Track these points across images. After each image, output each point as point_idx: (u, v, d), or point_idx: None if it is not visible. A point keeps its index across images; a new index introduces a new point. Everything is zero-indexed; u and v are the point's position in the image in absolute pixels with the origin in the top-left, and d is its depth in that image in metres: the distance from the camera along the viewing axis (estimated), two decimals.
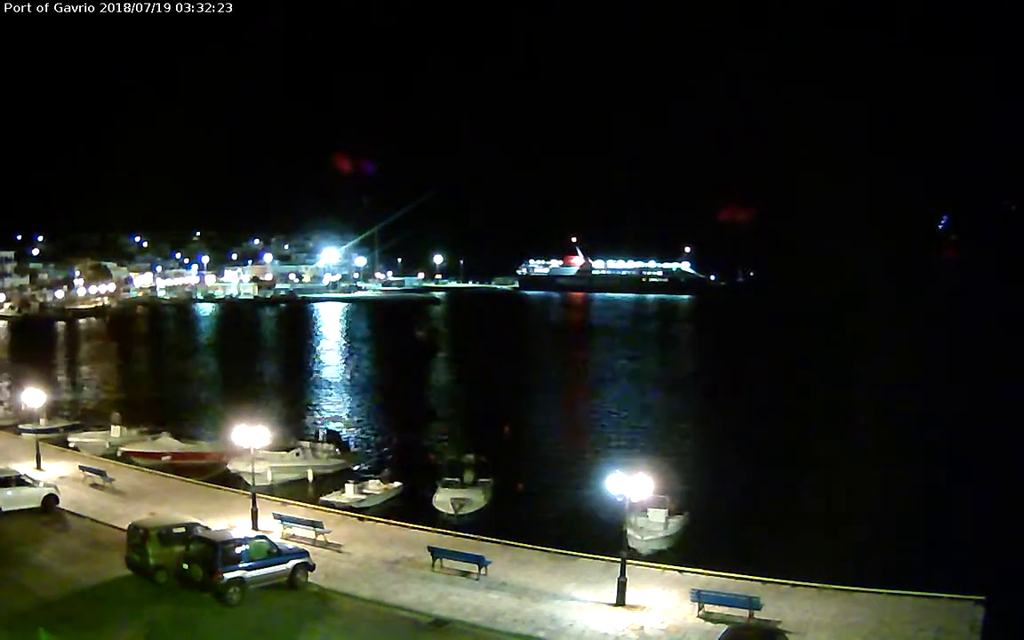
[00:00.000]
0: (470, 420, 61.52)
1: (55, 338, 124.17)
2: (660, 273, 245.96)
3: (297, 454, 42.68)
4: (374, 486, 38.94)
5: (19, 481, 33.34)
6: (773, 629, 22.18)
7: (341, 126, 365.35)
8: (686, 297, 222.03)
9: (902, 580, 25.64)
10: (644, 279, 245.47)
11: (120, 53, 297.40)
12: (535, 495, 40.09)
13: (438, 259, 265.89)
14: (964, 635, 22.33)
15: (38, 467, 38.72)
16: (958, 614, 23.44)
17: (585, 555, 29.12)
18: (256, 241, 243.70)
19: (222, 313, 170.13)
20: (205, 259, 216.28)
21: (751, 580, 26.34)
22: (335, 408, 66.20)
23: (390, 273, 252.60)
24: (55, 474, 37.82)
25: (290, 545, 27.36)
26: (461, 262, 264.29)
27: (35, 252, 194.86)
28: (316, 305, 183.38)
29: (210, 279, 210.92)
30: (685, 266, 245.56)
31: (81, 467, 39.15)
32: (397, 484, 39.66)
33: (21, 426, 48.88)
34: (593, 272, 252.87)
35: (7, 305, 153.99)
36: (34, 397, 42.30)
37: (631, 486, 25.50)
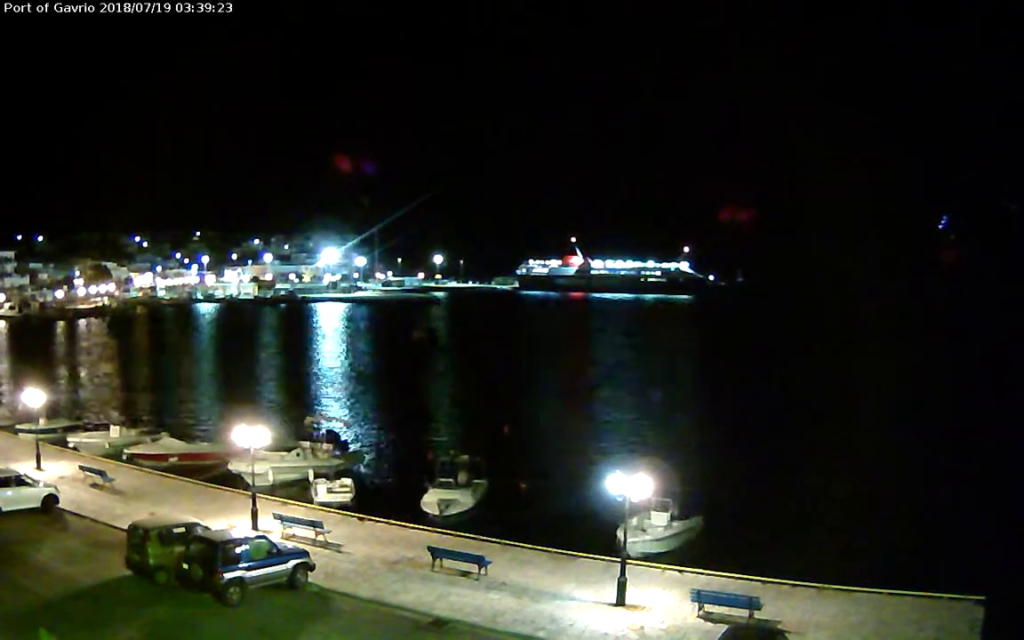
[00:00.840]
0: (470, 420, 61.50)
1: (55, 338, 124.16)
2: (659, 273, 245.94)
3: (298, 454, 42.69)
4: (337, 485, 38.78)
5: (19, 481, 33.29)
6: (773, 629, 22.18)
7: (341, 126, 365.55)
8: (685, 297, 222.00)
9: (902, 580, 25.65)
10: (643, 279, 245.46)
11: (120, 53, 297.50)
12: (535, 495, 40.05)
13: (438, 259, 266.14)
14: (964, 635, 22.33)
15: (38, 467, 38.69)
16: (958, 614, 23.44)
17: (585, 555, 29.11)
18: (256, 241, 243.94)
19: (222, 313, 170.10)
20: (205, 259, 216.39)
21: (751, 580, 26.34)
22: (335, 408, 66.13)
23: (390, 273, 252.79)
24: (55, 474, 37.80)
25: (290, 545, 27.35)
26: (461, 262, 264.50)
27: (35, 252, 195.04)
28: (316, 305, 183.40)
29: (210, 279, 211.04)
30: (684, 266, 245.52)
31: (81, 467, 39.13)
32: (348, 482, 39.36)
33: (20, 426, 48.85)
34: (592, 272, 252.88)
35: (7, 305, 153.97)
36: (34, 397, 42.25)
37: (631, 486, 25.50)
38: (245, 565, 24.45)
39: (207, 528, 27.52)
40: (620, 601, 24.70)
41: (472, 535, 31.34)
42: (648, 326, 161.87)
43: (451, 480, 38.18)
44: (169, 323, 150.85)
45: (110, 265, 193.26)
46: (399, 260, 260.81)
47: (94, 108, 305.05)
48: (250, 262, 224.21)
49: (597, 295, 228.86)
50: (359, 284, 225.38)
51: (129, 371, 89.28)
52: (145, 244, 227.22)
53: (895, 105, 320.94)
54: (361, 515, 34.34)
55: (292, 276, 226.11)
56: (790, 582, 26.05)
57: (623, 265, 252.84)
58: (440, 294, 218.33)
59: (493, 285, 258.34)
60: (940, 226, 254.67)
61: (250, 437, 32.05)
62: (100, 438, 47.49)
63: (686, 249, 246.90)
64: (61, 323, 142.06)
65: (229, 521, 30.95)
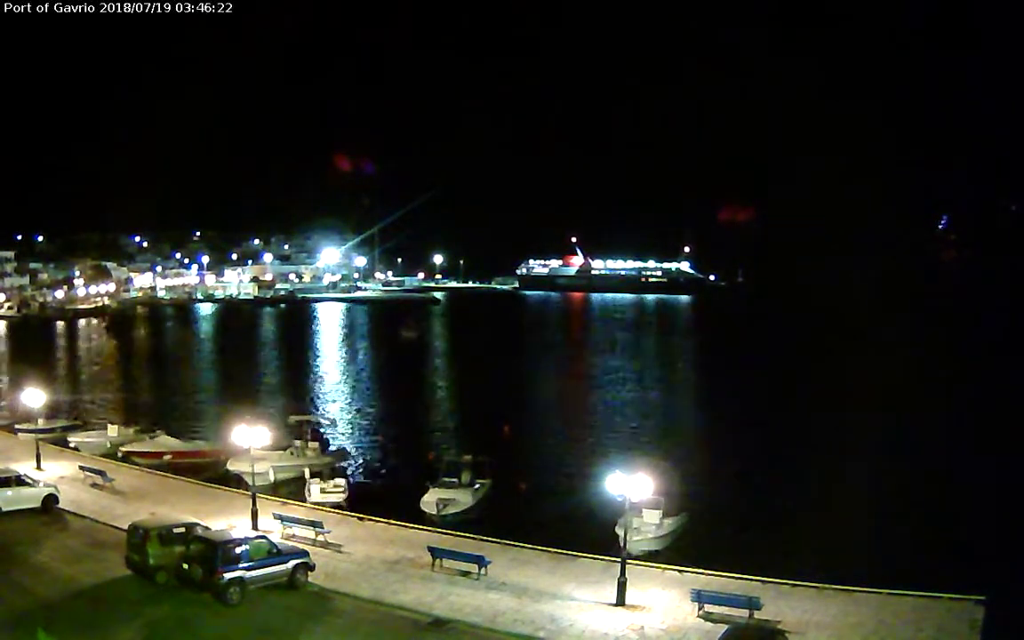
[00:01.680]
0: (469, 420, 61.49)
1: (55, 338, 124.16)
2: (659, 273, 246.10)
3: (292, 453, 42.80)
4: (340, 484, 38.67)
5: (19, 481, 33.29)
6: (773, 629, 22.17)
7: (341, 126, 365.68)
8: (685, 297, 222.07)
9: (902, 580, 25.63)
10: (643, 279, 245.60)
11: (120, 53, 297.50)
12: (535, 495, 40.09)
13: (438, 259, 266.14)
14: (964, 635, 22.32)
15: (38, 467, 38.69)
16: (958, 614, 23.43)
17: (585, 555, 29.10)
18: (256, 241, 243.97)
19: (222, 313, 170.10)
20: (205, 259, 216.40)
21: (751, 580, 26.33)
22: (334, 407, 66.19)
23: (390, 273, 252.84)
24: (55, 474, 37.79)
25: (290, 545, 27.35)
26: (461, 262, 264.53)
27: (35, 252, 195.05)
28: (316, 305, 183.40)
29: (210, 279, 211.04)
30: (684, 266, 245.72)
31: (81, 467, 39.13)
32: (341, 482, 39.27)
33: (20, 426, 48.85)
34: (592, 272, 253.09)
35: (7, 305, 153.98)
36: (34, 397, 42.26)
37: (631, 486, 25.50)
38: (245, 565, 24.45)
39: (207, 528, 27.53)
40: (620, 601, 24.70)
41: (472, 535, 31.33)
42: (648, 326, 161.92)
43: (455, 480, 38.15)
44: (169, 323, 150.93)
45: (110, 265, 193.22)
46: (399, 260, 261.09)
47: (94, 108, 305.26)
48: (250, 262, 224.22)
49: (597, 295, 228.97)
50: (359, 284, 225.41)
51: (129, 371, 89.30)
52: (145, 244, 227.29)
53: (895, 105, 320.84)
54: (361, 515, 34.34)
55: (292, 276, 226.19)
56: (790, 582, 26.03)
57: (623, 265, 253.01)
58: (440, 294, 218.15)
59: (493, 285, 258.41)
60: (940, 226, 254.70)
61: (249, 437, 32.06)
62: (100, 438, 47.49)
63: (686, 249, 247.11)
64: (61, 323, 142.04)
65: (229, 521, 30.96)
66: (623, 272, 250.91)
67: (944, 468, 42.77)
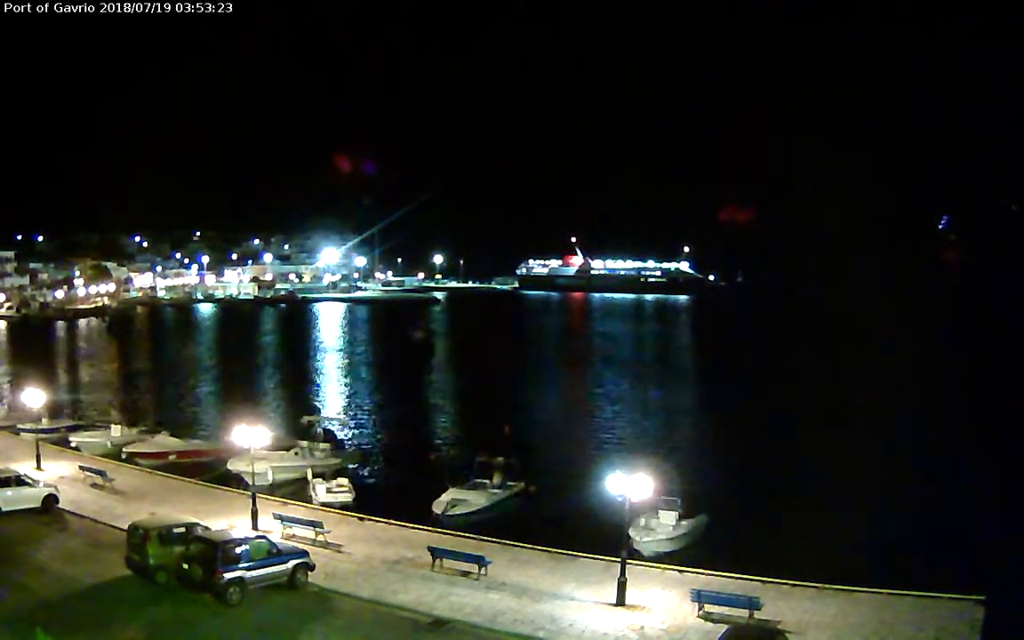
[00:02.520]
0: (469, 420, 61.51)
1: (55, 338, 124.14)
2: (659, 273, 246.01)
3: (296, 454, 42.72)
4: (335, 485, 38.65)
5: (19, 481, 33.30)
6: (773, 629, 22.18)
7: (341, 126, 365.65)
8: (685, 297, 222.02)
9: (902, 580, 25.64)
10: (643, 279, 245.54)
11: (120, 53, 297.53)
12: (535, 495, 40.09)
13: (438, 259, 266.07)
14: (964, 635, 22.32)
15: (38, 467, 38.69)
16: (958, 614, 23.43)
17: (585, 555, 29.11)
18: (256, 241, 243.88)
19: (222, 313, 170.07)
20: (205, 259, 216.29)
21: (751, 580, 26.33)
22: (334, 407, 66.19)
23: (390, 273, 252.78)
24: (55, 474, 37.79)
25: (290, 545, 27.36)
26: (461, 262, 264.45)
27: (35, 252, 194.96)
28: (316, 305, 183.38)
29: (210, 279, 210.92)
30: (684, 266, 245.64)
31: (81, 467, 39.14)
32: (345, 482, 39.25)
33: (21, 426, 48.86)
34: (592, 272, 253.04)
35: (7, 305, 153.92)
36: (34, 397, 42.26)
37: (631, 486, 25.50)
38: (245, 565, 24.46)
39: (207, 528, 27.52)
40: (620, 601, 24.70)
41: (472, 535, 31.35)
42: (648, 326, 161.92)
43: (485, 481, 38.06)
44: (169, 323, 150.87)
45: (110, 265, 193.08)
46: (399, 260, 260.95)
47: (94, 108, 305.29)
48: (250, 262, 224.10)
49: (597, 295, 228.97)
50: (359, 284, 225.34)
51: (129, 371, 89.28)
52: (145, 244, 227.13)
53: (895, 104, 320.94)
54: (361, 515, 34.35)
55: (292, 276, 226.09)
56: (790, 582, 26.04)
57: (623, 265, 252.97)
58: (440, 294, 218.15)
59: (493, 285, 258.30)
60: (940, 226, 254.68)
61: (250, 437, 32.07)
62: (101, 437, 47.52)
63: (686, 249, 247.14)
64: (61, 323, 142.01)
65: (229, 521, 30.96)
66: (623, 272, 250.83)
67: (944, 468, 42.77)
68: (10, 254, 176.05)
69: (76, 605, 24.06)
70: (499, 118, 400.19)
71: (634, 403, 70.60)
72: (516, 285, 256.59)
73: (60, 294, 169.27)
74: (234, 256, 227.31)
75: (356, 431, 57.39)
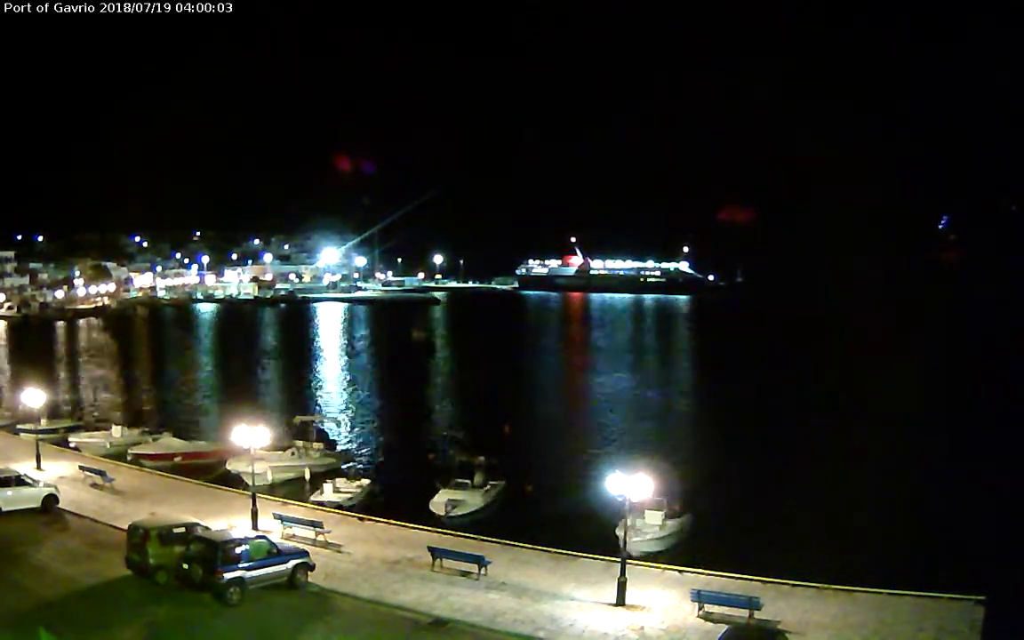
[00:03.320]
0: (469, 420, 61.44)
1: (55, 338, 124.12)
2: (658, 273, 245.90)
3: (293, 453, 42.83)
4: (343, 484, 38.75)
5: (19, 481, 33.31)
6: (773, 629, 22.19)
7: (341, 126, 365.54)
8: (684, 297, 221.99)
9: (902, 580, 25.66)
10: (642, 279, 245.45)
11: (120, 53, 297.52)
12: (535, 495, 40.13)
13: (438, 259, 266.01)
14: (964, 635, 22.33)
15: (38, 467, 38.70)
16: (958, 614, 23.45)
17: (585, 555, 29.13)
18: (256, 241, 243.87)
19: (222, 313, 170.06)
20: (205, 259, 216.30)
21: (751, 580, 26.35)
22: (334, 407, 66.22)
23: (390, 273, 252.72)
24: (55, 474, 37.80)
25: (290, 545, 27.36)
26: (461, 262, 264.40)
27: (35, 252, 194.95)
28: (316, 305, 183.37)
29: (210, 279, 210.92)
30: (683, 266, 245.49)
31: (81, 467, 39.16)
32: (366, 481, 39.56)
33: (21, 426, 48.87)
34: (591, 272, 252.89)
35: (7, 305, 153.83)
36: (34, 397, 42.27)
37: (631, 486, 25.52)
38: (245, 565, 24.47)
39: (207, 528, 27.54)
40: (620, 601, 24.71)
41: (472, 535, 31.38)
42: (648, 326, 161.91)
43: (467, 481, 38.18)
44: (169, 323, 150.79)
45: (110, 265, 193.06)
46: (399, 260, 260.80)
47: (94, 108, 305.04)
48: (250, 262, 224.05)
49: (597, 295, 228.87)
50: (359, 284, 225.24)
51: (129, 371, 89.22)
52: (145, 244, 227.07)
53: (895, 104, 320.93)
54: (361, 515, 34.38)
55: (292, 276, 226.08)
56: (790, 582, 26.06)
57: (623, 265, 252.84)
58: (440, 294, 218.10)
59: (493, 285, 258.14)
60: (940, 226, 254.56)
61: (250, 437, 32.09)
62: (101, 438, 47.59)
63: (686, 249, 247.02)
64: (61, 323, 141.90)
65: (229, 521, 30.97)
66: (622, 272, 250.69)
67: (944, 468, 42.78)
68: (10, 254, 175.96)
69: (76, 605, 24.06)
70: (499, 118, 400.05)
71: (633, 403, 70.59)
72: (516, 285, 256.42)
73: (60, 294, 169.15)
74: (234, 256, 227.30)
75: (355, 430, 57.42)
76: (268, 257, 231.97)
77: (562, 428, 60.70)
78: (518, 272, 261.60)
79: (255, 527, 30.42)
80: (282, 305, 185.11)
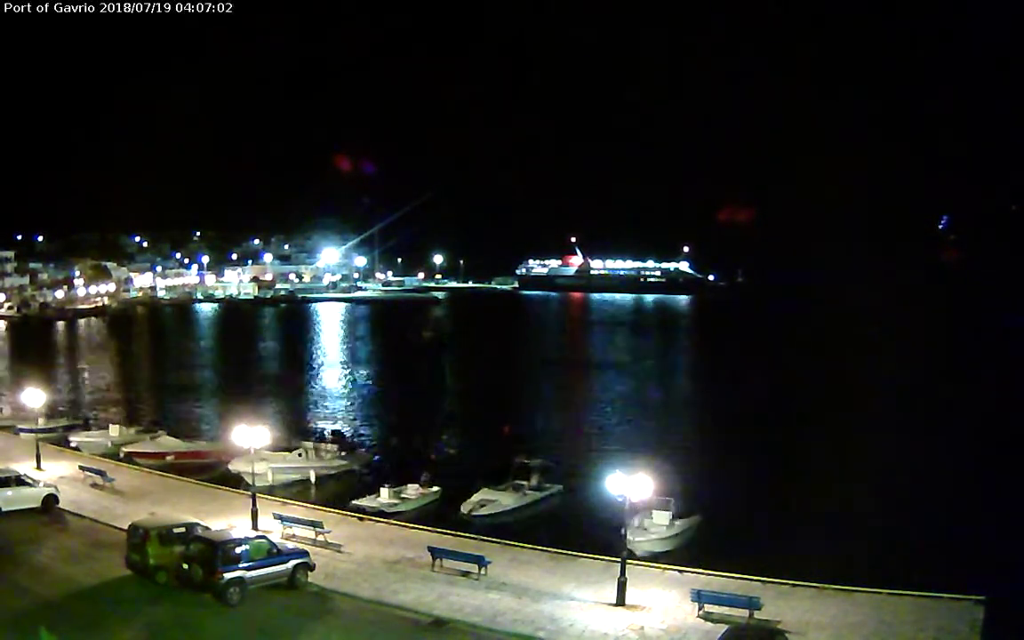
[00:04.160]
0: (469, 420, 61.55)
1: (55, 338, 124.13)
2: (658, 273, 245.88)
3: (300, 455, 42.55)
4: (412, 490, 38.20)
5: (19, 481, 33.31)
6: (773, 629, 22.19)
7: (341, 126, 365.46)
8: (684, 297, 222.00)
9: (902, 580, 25.66)
10: (642, 279, 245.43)
11: (120, 53, 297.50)
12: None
13: (438, 259, 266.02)
14: (964, 635, 22.33)
15: (38, 467, 38.70)
16: (958, 614, 23.44)
17: (585, 555, 29.13)
18: (256, 241, 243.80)
19: (222, 313, 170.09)
20: (205, 259, 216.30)
21: (751, 580, 26.34)
22: (337, 408, 66.19)
23: (390, 273, 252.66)
24: (55, 474, 37.80)
25: (290, 545, 27.36)
26: (461, 262, 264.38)
27: (35, 252, 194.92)
28: (316, 305, 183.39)
29: (210, 279, 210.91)
30: (684, 266, 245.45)
31: (81, 467, 39.15)
32: (435, 489, 38.88)
33: (21, 426, 48.86)
34: (592, 272, 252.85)
35: (7, 305, 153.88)
36: (34, 397, 42.27)
37: (631, 486, 25.52)
38: (245, 565, 24.46)
39: (207, 528, 27.53)
40: (620, 601, 24.70)
41: (472, 535, 31.38)
42: (648, 326, 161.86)
43: (524, 483, 38.17)
44: (169, 323, 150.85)
45: (110, 265, 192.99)
46: (399, 260, 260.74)
47: (94, 108, 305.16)
48: (250, 262, 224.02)
49: (597, 295, 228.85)
50: (359, 284, 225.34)
51: (129, 371, 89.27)
52: (145, 244, 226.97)
53: (895, 104, 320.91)
54: (361, 515, 34.36)
55: (292, 276, 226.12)
56: (790, 582, 26.05)
57: (623, 265, 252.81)
58: (440, 294, 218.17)
59: (493, 285, 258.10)
60: (940, 226, 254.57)
61: (250, 437, 32.07)
62: (101, 437, 47.53)
63: (686, 249, 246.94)
64: (61, 323, 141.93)
65: (229, 521, 30.96)
66: (622, 272, 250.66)
67: (944, 468, 42.75)
68: (10, 254, 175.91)
69: (76, 605, 24.05)
70: (499, 118, 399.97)
71: (634, 403, 70.56)
72: (516, 285, 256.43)
73: (60, 294, 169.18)
74: (234, 256, 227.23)
75: (356, 431, 57.34)
76: (268, 257, 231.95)
77: (561, 428, 60.66)
78: (518, 272, 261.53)
79: (255, 527, 30.41)
80: (282, 305, 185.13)
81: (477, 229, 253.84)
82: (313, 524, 30.53)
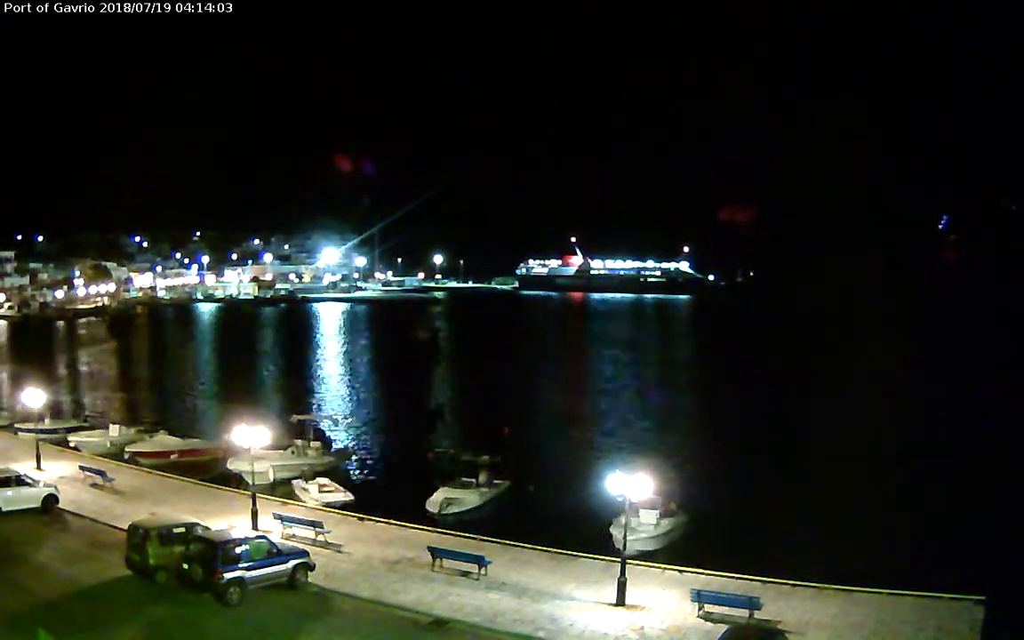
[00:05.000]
0: (470, 420, 61.47)
1: (55, 338, 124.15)
2: (658, 273, 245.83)
3: (292, 453, 42.86)
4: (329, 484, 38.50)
5: (19, 481, 33.30)
6: (773, 629, 22.19)
7: (341, 126, 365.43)
8: (684, 297, 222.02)
9: (902, 580, 25.63)
10: (642, 279, 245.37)
11: (120, 53, 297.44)
12: (535, 495, 40.12)
13: (438, 259, 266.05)
14: (964, 635, 22.33)
15: (38, 467, 38.68)
16: (958, 614, 23.44)
17: (585, 555, 29.12)
18: (256, 241, 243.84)
19: (222, 313, 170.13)
20: (205, 259, 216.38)
21: (751, 580, 26.34)
22: (330, 407, 66.21)
23: (390, 273, 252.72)
24: (55, 474, 37.79)
25: (290, 545, 27.36)
26: (461, 262, 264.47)
27: (35, 252, 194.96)
28: (316, 305, 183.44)
29: (210, 279, 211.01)
30: (683, 266, 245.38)
31: (81, 467, 39.15)
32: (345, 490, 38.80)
33: (21, 426, 48.86)
34: (592, 272, 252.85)
35: (7, 305, 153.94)
36: (34, 397, 42.28)
37: (631, 486, 25.51)
38: (245, 565, 24.46)
39: (207, 528, 27.53)
40: (620, 601, 24.70)
41: (472, 535, 31.36)
42: (647, 326, 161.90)
43: (471, 480, 38.17)
44: (169, 323, 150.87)
45: (110, 265, 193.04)
46: (399, 260, 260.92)
47: (94, 108, 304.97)
48: (250, 262, 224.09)
49: (597, 295, 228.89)
50: (359, 284, 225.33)
51: (129, 371, 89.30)
52: (145, 244, 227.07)
53: (895, 104, 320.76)
54: (361, 515, 34.36)
55: (292, 276, 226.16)
56: (790, 582, 26.04)
57: (623, 265, 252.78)
58: (440, 294, 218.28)
59: (493, 285, 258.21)
60: (940, 226, 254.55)
61: (249, 436, 32.08)
62: (101, 437, 47.56)
63: (686, 249, 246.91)
64: (61, 323, 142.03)
65: (229, 521, 30.97)
66: (622, 272, 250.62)
67: (944, 468, 42.77)
68: (10, 254, 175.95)
69: (76, 605, 24.05)
70: (499, 118, 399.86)
71: (634, 403, 70.56)
72: (516, 285, 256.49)
73: (60, 294, 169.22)
74: (234, 256, 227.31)
75: (355, 430, 57.41)
76: (268, 257, 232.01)
77: (562, 428, 60.65)
78: (518, 272, 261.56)
79: (255, 527, 30.41)
80: (282, 305, 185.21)
81: (477, 229, 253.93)
82: (313, 524, 30.53)
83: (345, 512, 34.85)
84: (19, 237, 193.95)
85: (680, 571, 27.44)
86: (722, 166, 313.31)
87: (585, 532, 31.90)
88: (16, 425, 49.99)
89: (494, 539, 30.59)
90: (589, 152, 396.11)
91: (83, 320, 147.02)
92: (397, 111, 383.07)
